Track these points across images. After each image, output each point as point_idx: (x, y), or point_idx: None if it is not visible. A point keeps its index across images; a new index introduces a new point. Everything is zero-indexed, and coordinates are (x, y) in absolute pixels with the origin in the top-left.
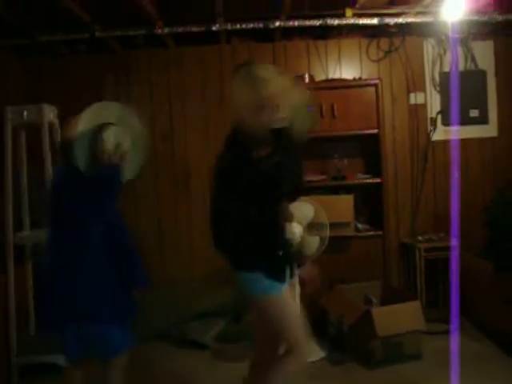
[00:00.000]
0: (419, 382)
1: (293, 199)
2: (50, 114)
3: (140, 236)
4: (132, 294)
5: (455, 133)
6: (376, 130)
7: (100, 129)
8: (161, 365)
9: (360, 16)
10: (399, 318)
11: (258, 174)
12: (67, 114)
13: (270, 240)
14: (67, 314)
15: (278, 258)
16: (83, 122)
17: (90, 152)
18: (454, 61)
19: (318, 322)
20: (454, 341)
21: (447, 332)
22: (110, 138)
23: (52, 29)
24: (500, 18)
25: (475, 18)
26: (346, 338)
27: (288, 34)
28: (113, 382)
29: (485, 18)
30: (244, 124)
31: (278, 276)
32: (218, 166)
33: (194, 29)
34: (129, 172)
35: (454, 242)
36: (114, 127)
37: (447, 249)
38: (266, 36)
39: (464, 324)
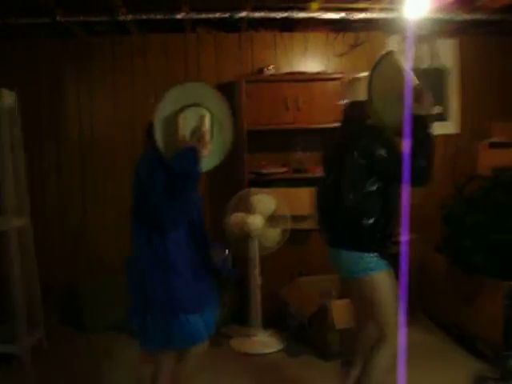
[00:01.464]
0: None
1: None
2: (8, 98)
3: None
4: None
5: None
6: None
7: (179, 111)
8: (119, 355)
9: (325, 10)
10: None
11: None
12: (27, 99)
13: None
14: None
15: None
16: (164, 104)
17: (170, 136)
18: (416, 57)
19: (278, 314)
20: (407, 333)
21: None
22: (186, 120)
23: (12, 12)
24: (465, 16)
25: (439, 15)
26: (305, 330)
27: (255, 25)
28: (188, 370)
29: (449, 17)
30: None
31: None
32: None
33: (159, 16)
34: (207, 161)
35: (405, 237)
36: (192, 109)
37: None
38: (233, 26)
39: (420, 317)
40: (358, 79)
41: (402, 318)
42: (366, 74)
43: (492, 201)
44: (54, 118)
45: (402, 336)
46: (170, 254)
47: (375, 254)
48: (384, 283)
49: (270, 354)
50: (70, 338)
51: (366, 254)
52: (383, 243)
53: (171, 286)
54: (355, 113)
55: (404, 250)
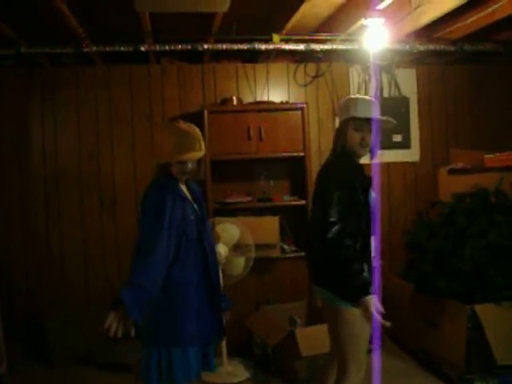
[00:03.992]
0: None
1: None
2: None
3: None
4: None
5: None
6: (302, 153)
7: None
8: None
9: (287, 41)
10: (323, 337)
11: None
12: None
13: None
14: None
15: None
16: None
17: None
18: (377, 87)
19: (244, 343)
20: (376, 359)
21: (369, 351)
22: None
23: None
24: (421, 47)
25: (398, 46)
26: (271, 359)
27: (217, 56)
28: None
29: (407, 47)
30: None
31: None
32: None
33: (123, 48)
34: None
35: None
36: None
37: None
38: (196, 57)
39: (386, 343)
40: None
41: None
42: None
43: (452, 226)
44: (18, 149)
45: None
46: (173, 280)
47: None
48: (361, 319)
49: (238, 383)
50: (35, 373)
51: None
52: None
53: (174, 315)
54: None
55: (377, 275)
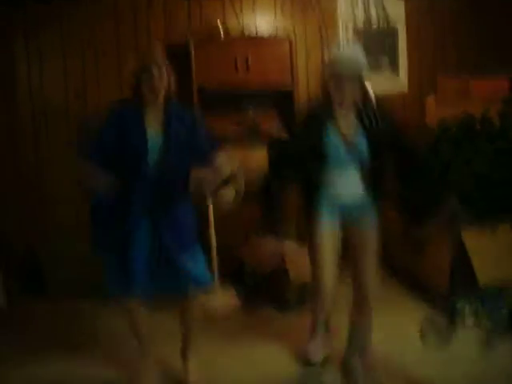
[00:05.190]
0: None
1: None
2: None
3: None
4: None
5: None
6: (290, 85)
7: None
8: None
9: None
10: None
11: None
12: None
13: None
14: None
15: None
16: None
17: None
18: (365, 18)
19: (235, 273)
20: None
21: None
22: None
23: None
24: None
25: None
26: (262, 287)
27: None
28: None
29: None
30: None
31: None
32: None
33: None
34: None
35: None
36: None
37: None
38: None
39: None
40: None
41: None
42: None
43: (437, 155)
44: (3, 87)
45: None
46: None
47: None
48: None
49: (229, 310)
50: (31, 302)
51: None
52: None
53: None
54: None
55: None
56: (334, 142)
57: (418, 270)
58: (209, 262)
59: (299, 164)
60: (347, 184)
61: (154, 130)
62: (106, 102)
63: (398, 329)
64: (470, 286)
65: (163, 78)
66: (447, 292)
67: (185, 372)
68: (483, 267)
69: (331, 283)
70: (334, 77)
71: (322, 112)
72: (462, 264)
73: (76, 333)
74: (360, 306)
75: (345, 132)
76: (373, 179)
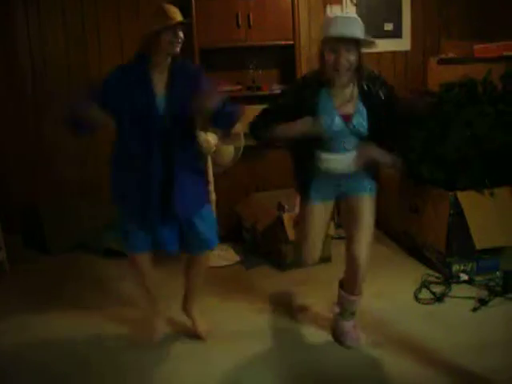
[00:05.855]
0: (327, 281)
1: None
2: None
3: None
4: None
5: None
6: (292, 42)
7: None
8: (84, 273)
9: None
10: None
11: None
12: None
13: None
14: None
15: None
16: None
17: None
18: None
19: (234, 230)
20: None
21: None
22: None
23: None
24: None
25: None
26: (260, 243)
27: None
28: (199, 279)
29: None
30: None
31: None
32: None
33: None
34: None
35: None
36: None
37: None
38: None
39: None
40: None
41: None
42: None
43: (438, 116)
44: (3, 43)
45: None
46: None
47: None
48: None
49: (228, 266)
50: (33, 260)
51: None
52: None
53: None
54: None
55: None
56: (326, 109)
57: (415, 232)
58: None
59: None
60: (341, 157)
61: (160, 86)
62: (106, 54)
63: (395, 288)
64: (467, 248)
65: (182, 40)
66: (443, 253)
67: (193, 323)
68: (480, 230)
69: (314, 257)
70: (329, 40)
71: (316, 77)
72: (458, 226)
73: (77, 286)
74: (352, 270)
75: (340, 101)
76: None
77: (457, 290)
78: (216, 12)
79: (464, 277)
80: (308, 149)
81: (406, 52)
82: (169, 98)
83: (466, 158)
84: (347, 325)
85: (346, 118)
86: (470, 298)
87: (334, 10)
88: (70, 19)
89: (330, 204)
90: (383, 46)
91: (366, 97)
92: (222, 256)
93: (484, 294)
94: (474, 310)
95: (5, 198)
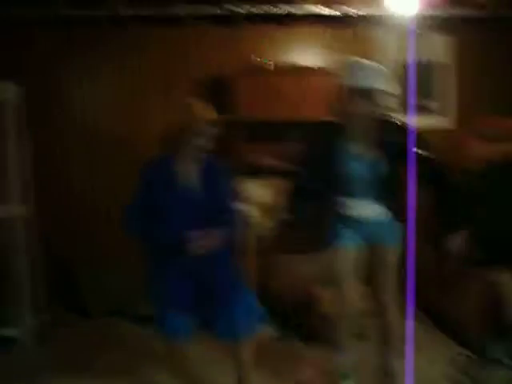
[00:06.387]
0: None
1: None
2: (13, 92)
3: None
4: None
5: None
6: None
7: None
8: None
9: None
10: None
11: None
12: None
13: None
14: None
15: None
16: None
17: None
18: (411, 53)
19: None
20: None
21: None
22: None
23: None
24: (457, 12)
25: (434, 12)
26: (291, 317)
27: (252, 18)
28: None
29: (443, 13)
30: None
31: None
32: None
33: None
34: None
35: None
36: None
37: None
38: (228, 20)
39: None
40: None
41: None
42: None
43: (477, 195)
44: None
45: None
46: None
47: None
48: None
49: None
50: (75, 323)
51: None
52: None
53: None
54: None
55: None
56: (347, 155)
57: (450, 310)
58: None
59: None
60: (365, 204)
61: (189, 181)
62: (152, 125)
63: (428, 370)
64: (503, 328)
65: (211, 140)
66: (480, 334)
67: None
68: None
69: (350, 308)
70: (350, 90)
71: (333, 128)
72: (495, 306)
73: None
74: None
75: (360, 146)
76: (390, 193)
77: (494, 370)
78: (260, 88)
79: (504, 360)
80: (333, 196)
81: (448, 130)
82: (201, 190)
83: (504, 238)
84: None
85: (366, 162)
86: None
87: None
88: (118, 92)
89: (357, 249)
90: (424, 122)
91: (384, 142)
92: None
93: None
94: None
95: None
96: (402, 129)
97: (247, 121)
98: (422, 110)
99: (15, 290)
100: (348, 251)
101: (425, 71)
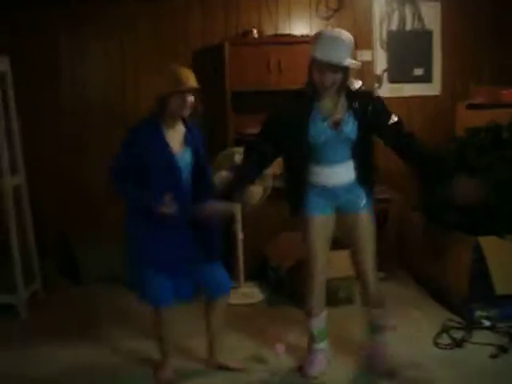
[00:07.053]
0: (349, 323)
1: None
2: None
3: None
4: None
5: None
6: None
7: None
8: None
9: None
10: (335, 264)
11: None
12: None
13: None
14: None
15: None
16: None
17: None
18: (400, 20)
19: (261, 269)
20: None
21: (382, 279)
22: None
23: None
24: None
25: None
26: (284, 282)
27: None
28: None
29: None
30: None
31: None
32: None
33: None
34: None
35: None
36: None
37: (387, 201)
38: None
39: (400, 273)
40: None
41: None
42: None
43: (463, 161)
44: (50, 83)
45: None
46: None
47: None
48: None
49: (252, 304)
50: (67, 289)
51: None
52: None
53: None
54: None
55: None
56: (315, 119)
57: (438, 276)
58: (234, 257)
59: (281, 142)
60: (336, 171)
61: (174, 142)
62: (144, 97)
63: (415, 332)
64: (490, 294)
65: (192, 104)
66: (467, 299)
67: (225, 365)
68: (501, 275)
69: (322, 274)
70: (315, 61)
71: (307, 93)
72: (481, 272)
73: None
74: (365, 293)
75: (328, 111)
76: (363, 161)
77: (478, 336)
78: (248, 57)
79: (486, 323)
80: (300, 163)
81: (435, 97)
82: (187, 151)
83: (489, 204)
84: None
85: (335, 126)
86: (490, 344)
87: (364, 55)
88: (111, 64)
89: (329, 218)
90: (412, 90)
91: (356, 109)
92: (247, 294)
93: (505, 341)
94: (493, 356)
95: (40, 223)
96: (374, 98)
97: (238, 91)
98: (409, 77)
99: (8, 258)
100: (318, 219)
101: (411, 39)
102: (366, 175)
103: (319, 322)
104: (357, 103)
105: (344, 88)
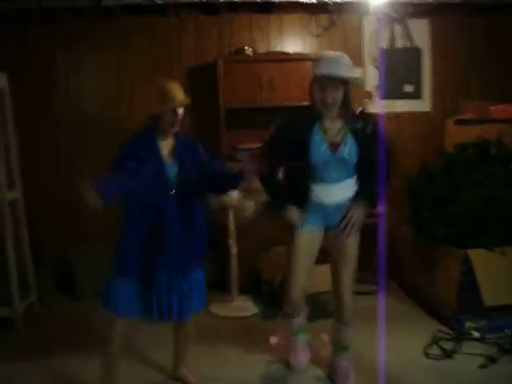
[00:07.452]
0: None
1: None
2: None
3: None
4: None
5: (389, 106)
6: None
7: None
8: None
9: None
10: (323, 278)
11: None
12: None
13: None
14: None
15: None
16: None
17: None
18: (389, 38)
19: (254, 283)
20: (379, 301)
21: (373, 292)
22: None
23: None
24: None
25: None
26: (278, 296)
27: (234, 7)
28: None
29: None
30: None
31: None
32: None
33: (142, 2)
34: None
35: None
36: None
37: (376, 215)
38: (213, 9)
39: (391, 286)
40: None
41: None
42: None
43: (450, 175)
44: (45, 98)
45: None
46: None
47: None
48: None
49: (246, 317)
50: (63, 303)
51: None
52: None
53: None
54: None
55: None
56: (315, 140)
57: (428, 288)
58: (228, 271)
59: (284, 157)
60: (334, 189)
61: (167, 153)
62: (139, 111)
63: (405, 343)
64: (478, 306)
65: (181, 118)
66: (456, 311)
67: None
68: (489, 287)
69: (300, 289)
70: (317, 79)
71: (307, 113)
72: (469, 283)
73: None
74: (338, 310)
75: (329, 132)
76: (364, 178)
77: (467, 347)
78: (241, 74)
79: (475, 334)
80: (301, 180)
81: (425, 113)
82: (176, 164)
83: (477, 217)
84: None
85: (334, 148)
86: (479, 355)
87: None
88: (107, 79)
89: (318, 235)
90: (403, 106)
91: (356, 131)
92: (240, 307)
93: (494, 351)
94: (482, 366)
95: (36, 238)
96: (373, 117)
97: (231, 107)
98: (399, 94)
99: (5, 272)
100: (306, 235)
101: (401, 56)
102: (367, 190)
103: (298, 320)
104: (357, 125)
105: (345, 109)
